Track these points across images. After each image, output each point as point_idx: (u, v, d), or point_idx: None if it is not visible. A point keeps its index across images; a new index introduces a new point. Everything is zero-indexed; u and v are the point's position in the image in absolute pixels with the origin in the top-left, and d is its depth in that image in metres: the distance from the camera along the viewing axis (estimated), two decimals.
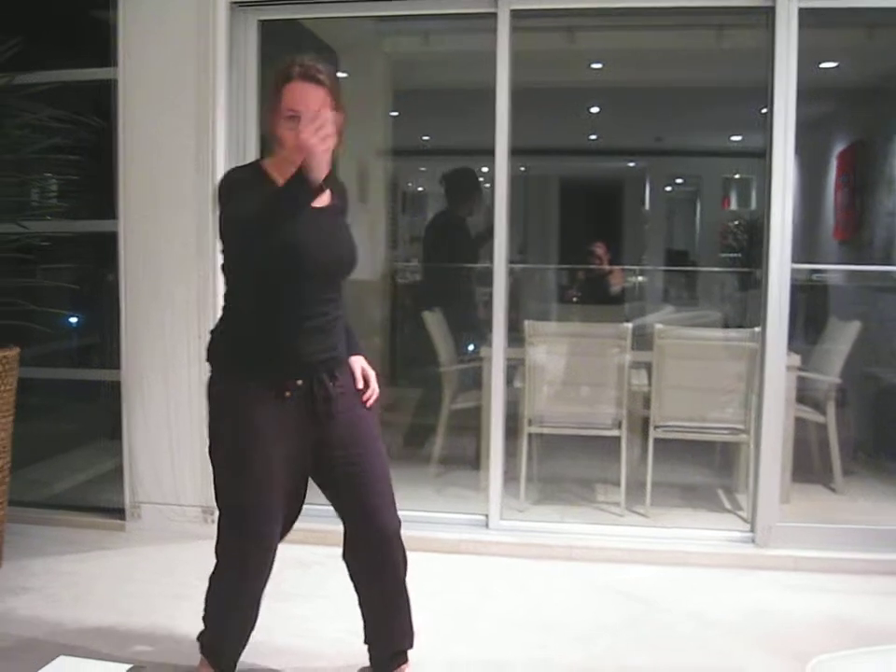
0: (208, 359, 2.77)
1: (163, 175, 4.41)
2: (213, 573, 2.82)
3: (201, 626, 2.88)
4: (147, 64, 4.40)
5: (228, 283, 2.77)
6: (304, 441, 2.68)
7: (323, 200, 2.63)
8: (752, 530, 4.31)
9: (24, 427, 4.20)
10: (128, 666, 2.67)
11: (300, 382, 2.63)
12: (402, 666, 2.91)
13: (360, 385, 2.80)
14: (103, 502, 4.79)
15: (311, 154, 2.31)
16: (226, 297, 2.77)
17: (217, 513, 4.29)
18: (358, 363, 2.85)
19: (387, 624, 2.90)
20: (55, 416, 5.98)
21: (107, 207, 4.55)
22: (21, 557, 4.18)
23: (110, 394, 4.96)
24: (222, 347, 2.73)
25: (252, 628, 2.83)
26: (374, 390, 2.83)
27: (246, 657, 2.92)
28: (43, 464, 5.35)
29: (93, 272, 5.55)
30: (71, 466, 5.44)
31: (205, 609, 2.85)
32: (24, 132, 4.06)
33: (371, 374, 2.85)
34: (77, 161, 4.31)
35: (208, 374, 2.76)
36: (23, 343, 4.15)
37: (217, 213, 2.65)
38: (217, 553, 2.80)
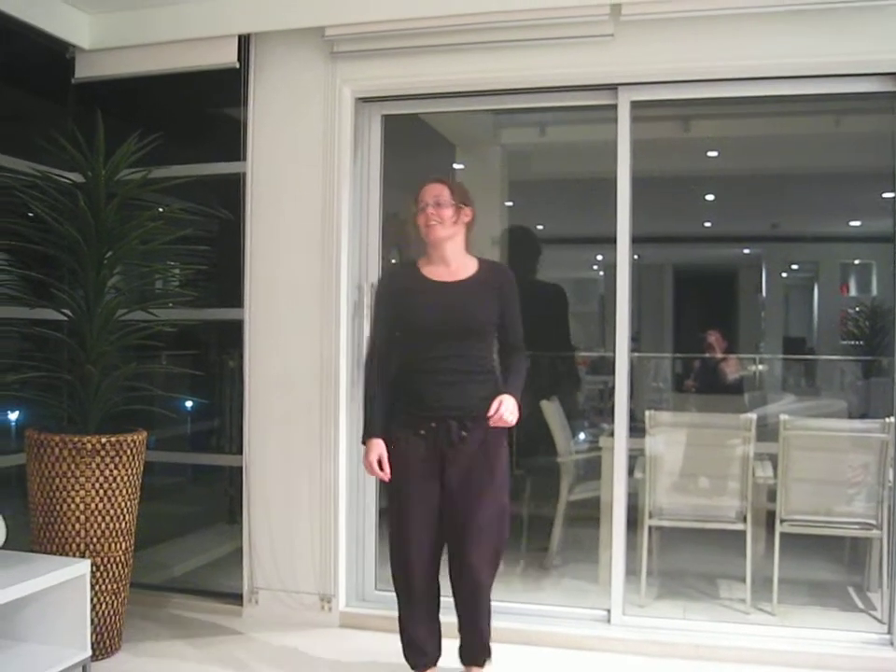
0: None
1: (289, 264, 4.52)
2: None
3: None
4: (274, 158, 4.56)
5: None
6: (434, 470, 3.38)
7: (457, 274, 3.47)
8: (890, 632, 4.08)
9: (144, 509, 4.27)
10: None
11: (433, 424, 3.35)
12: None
13: (492, 411, 3.25)
14: (221, 587, 4.82)
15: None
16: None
17: (334, 601, 4.31)
18: (500, 397, 3.30)
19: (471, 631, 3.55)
20: (174, 498, 6.08)
21: (233, 296, 4.67)
22: (140, 640, 4.22)
23: (229, 478, 5.04)
24: (399, 396, 3.46)
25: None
26: (499, 414, 3.23)
27: None
28: (163, 546, 5.41)
29: (215, 358, 5.69)
30: (190, 549, 5.50)
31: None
32: (158, 223, 4.20)
33: (504, 402, 3.26)
34: (205, 251, 4.46)
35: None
36: (148, 427, 4.25)
37: (378, 294, 3.66)
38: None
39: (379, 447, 3.41)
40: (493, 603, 3.52)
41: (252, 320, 4.58)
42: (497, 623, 3.63)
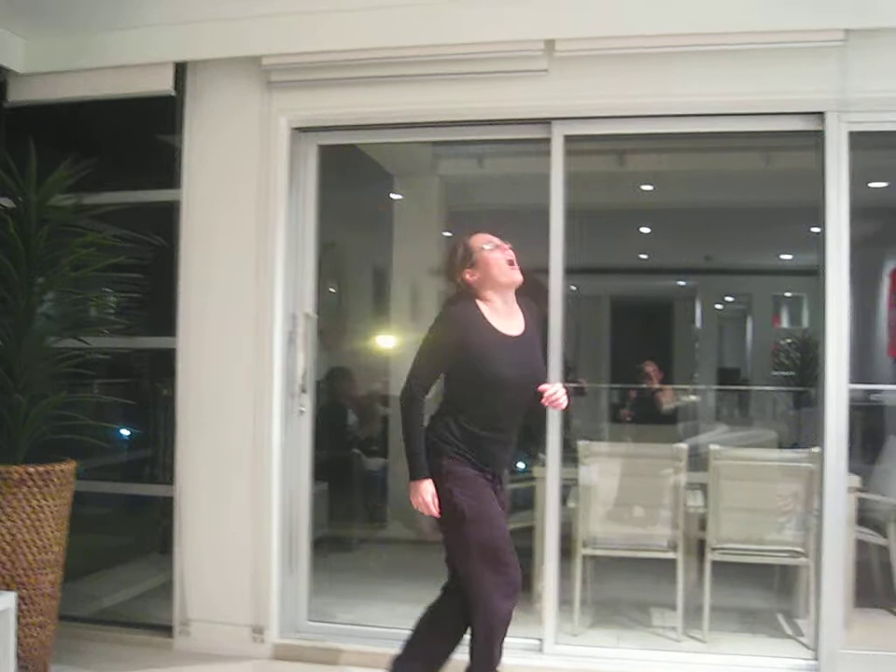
0: (436, 442, 3.40)
1: (223, 293, 4.51)
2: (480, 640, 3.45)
3: None
4: (209, 186, 4.55)
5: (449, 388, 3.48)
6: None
7: (516, 324, 3.44)
8: (816, 658, 4.13)
9: (74, 540, 4.20)
10: None
11: (489, 477, 3.41)
12: None
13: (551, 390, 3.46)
14: (151, 618, 4.74)
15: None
16: (449, 398, 3.46)
17: (267, 632, 4.27)
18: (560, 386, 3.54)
19: None
20: (106, 529, 5.97)
21: (166, 324, 4.63)
22: None
23: (161, 508, 4.97)
24: (449, 436, 3.38)
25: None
26: (556, 395, 3.45)
27: None
28: (92, 577, 5.31)
29: (148, 387, 5.62)
30: (120, 580, 5.40)
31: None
32: (89, 250, 4.16)
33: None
34: (137, 278, 4.42)
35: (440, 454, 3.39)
36: (79, 457, 4.19)
37: (445, 334, 3.39)
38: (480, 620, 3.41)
39: (431, 487, 3.39)
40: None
41: (185, 349, 4.55)
42: None
